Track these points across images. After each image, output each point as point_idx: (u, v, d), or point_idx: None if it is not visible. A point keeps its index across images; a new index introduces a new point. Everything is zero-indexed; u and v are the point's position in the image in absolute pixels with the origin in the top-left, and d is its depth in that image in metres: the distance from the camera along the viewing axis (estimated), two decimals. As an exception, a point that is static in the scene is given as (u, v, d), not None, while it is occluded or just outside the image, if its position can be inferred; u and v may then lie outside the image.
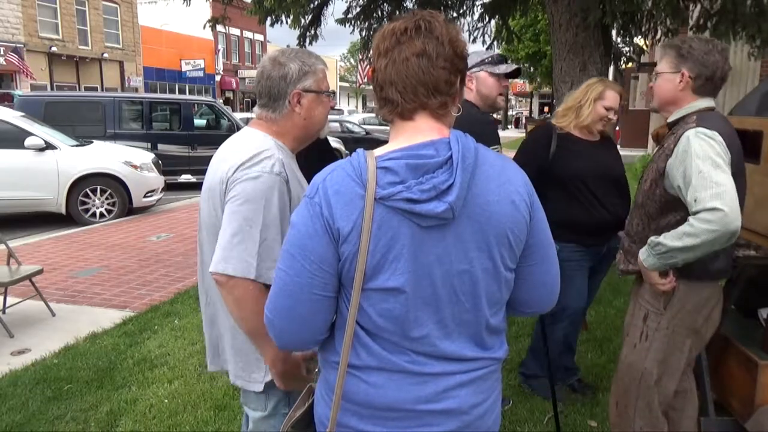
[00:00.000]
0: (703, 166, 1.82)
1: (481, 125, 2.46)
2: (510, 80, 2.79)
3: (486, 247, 1.13)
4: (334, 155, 2.74)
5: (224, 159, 1.57)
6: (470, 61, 2.40)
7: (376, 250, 1.09)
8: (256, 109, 1.66)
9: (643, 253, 2.01)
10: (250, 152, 1.51)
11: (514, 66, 2.66)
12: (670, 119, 2.09)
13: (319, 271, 1.12)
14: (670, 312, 2.08)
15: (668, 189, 2.00)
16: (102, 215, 8.16)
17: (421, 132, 1.14)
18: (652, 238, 1.95)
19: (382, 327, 1.14)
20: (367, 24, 7.42)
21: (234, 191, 1.48)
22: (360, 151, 1.14)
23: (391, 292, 1.11)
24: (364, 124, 19.92)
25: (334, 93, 1.81)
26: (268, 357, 1.54)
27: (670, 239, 1.86)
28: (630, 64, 10.45)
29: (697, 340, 2.15)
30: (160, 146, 10.96)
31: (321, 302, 1.14)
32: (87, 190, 7.99)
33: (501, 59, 2.70)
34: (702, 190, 1.79)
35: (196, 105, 12.75)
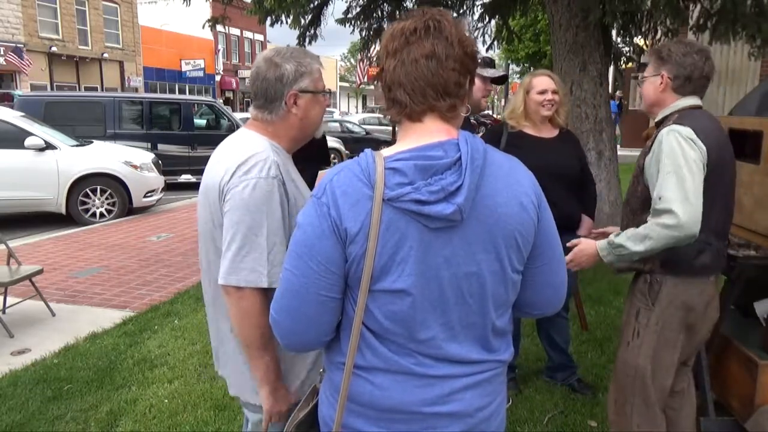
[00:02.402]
0: (671, 165, 1.89)
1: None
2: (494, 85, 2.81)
3: (494, 249, 1.12)
4: (327, 153, 2.77)
5: (219, 161, 1.55)
6: None
7: (384, 252, 1.08)
8: (251, 109, 1.64)
9: (602, 249, 2.05)
10: (244, 155, 1.49)
11: (502, 72, 2.68)
12: (656, 119, 2.16)
13: (326, 272, 1.11)
14: (658, 307, 2.09)
15: (646, 185, 2.06)
16: (102, 215, 8.15)
17: (429, 133, 1.12)
18: (612, 238, 2.01)
19: (389, 329, 1.13)
20: (367, 24, 7.43)
21: (233, 201, 1.46)
22: (368, 151, 1.12)
23: (398, 294, 1.10)
24: (364, 124, 19.95)
25: (330, 92, 1.81)
26: (259, 371, 1.51)
27: (632, 243, 1.93)
28: (630, 64, 10.45)
29: (690, 336, 2.15)
30: (160, 146, 10.94)
31: (327, 303, 1.13)
32: (87, 190, 7.98)
33: (490, 62, 2.71)
34: (666, 190, 1.86)
35: (196, 105, 12.75)
